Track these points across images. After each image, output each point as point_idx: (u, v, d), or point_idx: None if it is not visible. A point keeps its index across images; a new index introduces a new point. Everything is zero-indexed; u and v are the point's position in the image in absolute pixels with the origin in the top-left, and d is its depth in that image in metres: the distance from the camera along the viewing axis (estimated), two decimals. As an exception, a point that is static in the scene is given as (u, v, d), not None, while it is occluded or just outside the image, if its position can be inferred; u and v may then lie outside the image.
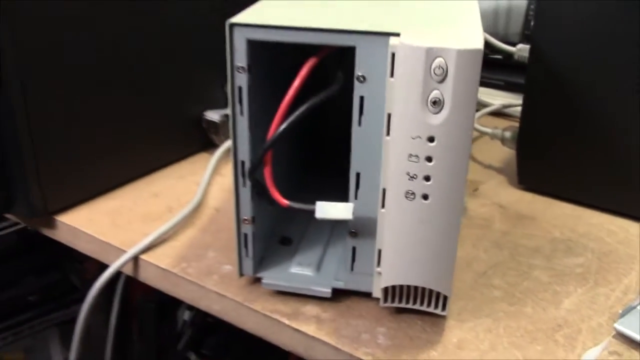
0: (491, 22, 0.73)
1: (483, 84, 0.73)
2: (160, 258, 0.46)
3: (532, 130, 0.54)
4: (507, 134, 0.58)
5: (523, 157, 0.55)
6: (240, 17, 0.36)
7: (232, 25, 0.35)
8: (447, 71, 0.31)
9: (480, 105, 0.71)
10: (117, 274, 0.47)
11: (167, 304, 1.04)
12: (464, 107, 0.32)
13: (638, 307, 0.40)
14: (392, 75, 0.33)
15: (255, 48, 0.36)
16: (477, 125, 0.63)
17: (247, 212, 0.40)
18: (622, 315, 0.39)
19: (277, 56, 0.39)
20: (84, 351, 0.53)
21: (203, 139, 0.61)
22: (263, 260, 0.43)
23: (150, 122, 0.56)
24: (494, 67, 0.72)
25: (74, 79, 0.48)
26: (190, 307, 1.06)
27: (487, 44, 0.69)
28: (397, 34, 0.33)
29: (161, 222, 0.49)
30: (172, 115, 0.58)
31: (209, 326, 1.14)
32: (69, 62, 0.48)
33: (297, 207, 0.38)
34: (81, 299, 0.81)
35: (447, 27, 0.36)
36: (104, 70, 0.50)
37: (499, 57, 0.71)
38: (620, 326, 0.38)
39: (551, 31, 0.50)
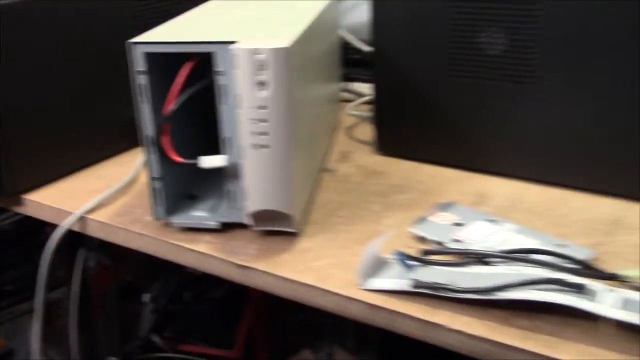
0: (365, 28, 0.92)
1: (360, 79, 0.92)
2: (99, 216, 0.63)
3: (382, 110, 0.72)
4: (367, 116, 0.76)
5: (378, 130, 0.74)
6: (138, 38, 0.53)
7: (132, 43, 0.53)
8: (265, 62, 0.49)
9: (358, 95, 0.89)
10: (76, 247, 0.64)
11: (130, 289, 1.20)
12: (281, 84, 0.50)
13: (427, 218, 0.58)
14: (236, 68, 0.51)
15: (152, 58, 0.54)
16: (352, 111, 0.81)
17: (155, 172, 0.57)
18: (416, 223, 0.57)
19: (172, 61, 0.56)
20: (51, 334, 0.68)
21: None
22: (174, 210, 0.61)
23: (100, 121, 0.73)
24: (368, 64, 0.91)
25: (39, 89, 0.66)
26: (151, 292, 1.23)
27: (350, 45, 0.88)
28: (236, 42, 0.51)
29: (103, 193, 0.66)
30: (116, 116, 0.75)
31: (171, 312, 1.31)
32: (35, 77, 0.65)
33: (187, 162, 0.56)
34: (54, 287, 0.98)
35: (272, 33, 0.54)
36: (62, 81, 0.68)
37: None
38: (413, 229, 0.56)
39: (383, 32, 0.68)
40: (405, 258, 0.50)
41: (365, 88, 0.90)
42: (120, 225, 0.61)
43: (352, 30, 0.92)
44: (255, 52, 0.49)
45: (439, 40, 0.65)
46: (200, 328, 1.24)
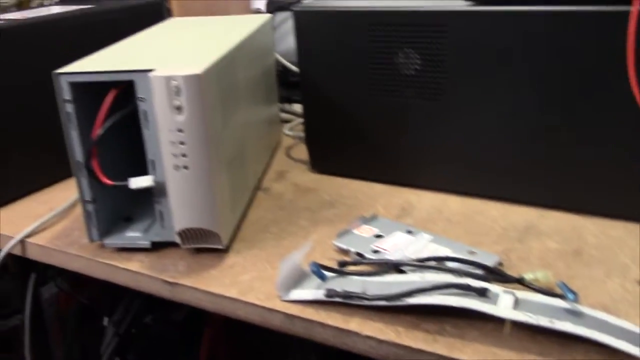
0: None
1: (299, 101, 0.95)
2: (39, 239, 0.65)
3: (312, 131, 0.75)
4: (302, 134, 0.79)
5: (310, 149, 0.77)
6: (62, 69, 0.56)
7: (57, 74, 0.56)
8: (180, 88, 0.52)
9: (297, 115, 0.93)
10: (28, 274, 0.66)
11: (91, 313, 1.22)
12: (195, 108, 0.53)
13: (351, 230, 0.61)
14: (153, 95, 0.54)
15: (79, 87, 0.57)
16: (289, 132, 0.84)
17: (87, 195, 0.60)
18: (339, 235, 0.60)
19: (101, 87, 0.59)
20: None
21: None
22: (109, 231, 0.63)
23: (43, 147, 0.76)
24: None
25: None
26: (112, 317, 1.25)
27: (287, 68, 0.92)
28: (153, 70, 0.54)
29: (43, 217, 0.69)
30: (57, 145, 0.77)
31: (133, 335, 1.32)
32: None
33: (117, 184, 0.58)
34: (12, 313, 0.99)
35: (190, 60, 0.57)
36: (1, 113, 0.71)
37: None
38: (335, 242, 0.59)
39: (307, 54, 0.72)
40: (319, 269, 0.52)
41: (304, 109, 0.94)
42: (57, 248, 0.63)
43: (288, 53, 0.95)
44: (170, 79, 0.52)
45: (359, 62, 0.68)
46: (163, 351, 1.26)
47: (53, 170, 0.78)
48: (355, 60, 0.69)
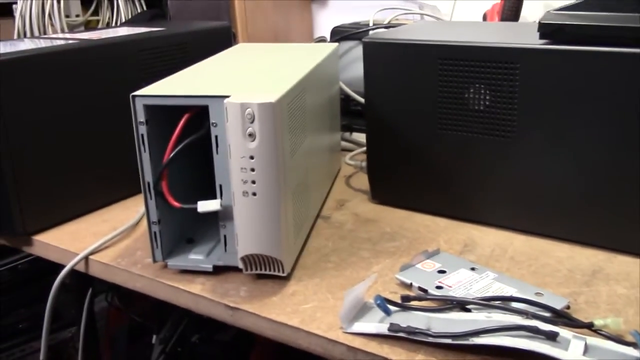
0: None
1: (361, 130, 0.95)
2: (102, 257, 0.66)
3: (375, 160, 0.75)
4: (364, 164, 0.79)
5: (371, 179, 0.77)
6: (139, 91, 0.58)
7: (134, 96, 0.57)
8: (254, 116, 0.53)
9: (358, 145, 0.93)
10: (85, 288, 0.68)
11: (140, 330, 1.23)
12: (268, 136, 0.53)
13: (414, 265, 0.60)
14: (227, 120, 0.54)
15: (153, 109, 0.58)
16: (349, 161, 0.84)
17: (154, 216, 0.61)
18: (402, 269, 0.60)
19: (172, 115, 0.60)
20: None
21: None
22: (172, 252, 0.64)
23: (106, 168, 0.77)
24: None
25: (51, 137, 0.70)
26: (159, 334, 1.26)
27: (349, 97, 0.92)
28: (229, 96, 0.55)
29: (107, 236, 0.70)
30: (122, 162, 0.79)
31: (179, 354, 1.33)
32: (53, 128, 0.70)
33: (186, 207, 0.59)
34: (64, 327, 1.01)
35: (264, 87, 0.57)
36: (73, 129, 0.73)
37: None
38: (398, 276, 0.59)
39: (374, 85, 0.72)
40: (384, 303, 0.52)
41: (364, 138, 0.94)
42: (121, 267, 0.64)
43: (352, 82, 0.96)
44: (245, 106, 0.53)
45: (427, 95, 0.68)
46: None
47: (113, 190, 0.80)
48: (423, 93, 0.68)
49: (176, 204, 0.59)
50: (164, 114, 0.59)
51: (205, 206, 0.58)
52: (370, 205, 0.77)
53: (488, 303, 0.52)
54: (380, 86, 0.71)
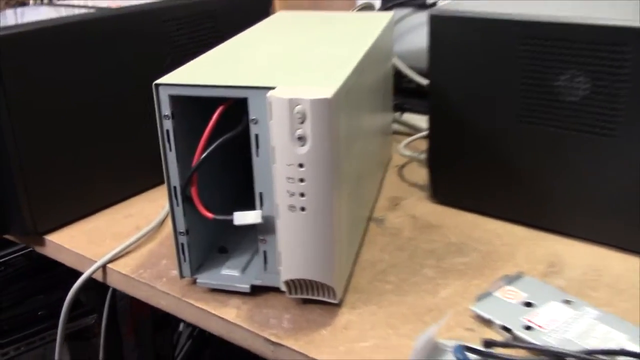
0: (425, 60, 0.84)
1: (414, 110, 0.84)
2: (123, 266, 0.57)
3: (438, 153, 0.64)
4: (422, 156, 0.68)
5: (433, 175, 0.66)
6: (164, 79, 0.47)
7: (157, 85, 0.47)
8: (305, 115, 0.42)
9: (411, 128, 0.81)
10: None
11: (164, 317, 1.15)
12: (322, 140, 0.43)
13: (493, 293, 0.50)
14: (271, 118, 0.44)
15: (180, 100, 0.47)
16: (402, 150, 0.73)
17: (181, 226, 0.51)
18: (479, 299, 0.49)
19: (201, 105, 0.50)
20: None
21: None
22: (202, 265, 0.54)
23: (127, 156, 0.68)
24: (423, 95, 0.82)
25: (62, 122, 0.61)
26: (188, 323, 1.18)
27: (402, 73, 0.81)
28: (273, 88, 0.44)
29: (128, 239, 0.60)
30: (145, 150, 0.69)
31: (207, 339, 1.25)
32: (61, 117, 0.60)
33: (219, 218, 0.49)
34: (85, 313, 0.93)
35: (316, 76, 0.46)
36: (84, 119, 0.63)
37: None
38: (475, 308, 0.48)
39: (442, 64, 0.60)
40: (464, 353, 0.42)
41: (420, 121, 0.82)
42: (143, 280, 0.55)
43: (406, 56, 0.84)
44: (293, 102, 0.42)
45: (508, 81, 0.57)
46: (236, 356, 1.18)
47: (135, 181, 0.70)
48: (502, 78, 0.57)
49: (208, 214, 0.49)
50: (194, 106, 0.49)
51: (243, 218, 0.48)
52: (429, 206, 0.66)
53: (594, 358, 0.41)
54: (449, 67, 0.60)
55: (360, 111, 0.54)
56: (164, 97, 0.47)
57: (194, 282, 0.53)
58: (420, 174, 0.72)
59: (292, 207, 0.45)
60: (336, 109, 0.43)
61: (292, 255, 0.47)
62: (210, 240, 0.56)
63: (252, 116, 0.46)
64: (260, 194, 0.48)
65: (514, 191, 0.60)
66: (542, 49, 0.54)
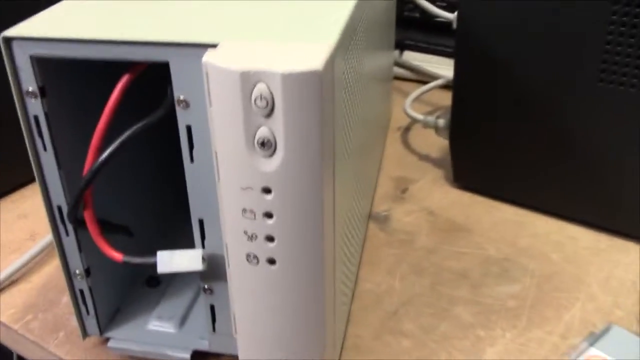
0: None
1: (431, 51, 0.63)
2: (4, 307, 0.38)
3: (466, 119, 0.45)
4: (441, 122, 0.49)
5: (457, 150, 0.46)
6: (19, 29, 0.26)
7: (8, 39, 0.26)
8: (273, 102, 0.22)
9: (429, 77, 0.61)
10: None
11: None
12: (304, 145, 0.23)
13: (573, 365, 0.32)
14: (210, 104, 0.24)
15: (55, 65, 0.27)
16: (408, 110, 0.53)
17: (77, 265, 0.31)
18: (552, 377, 0.31)
19: (96, 73, 0.29)
20: None
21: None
22: (118, 313, 0.35)
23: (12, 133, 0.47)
24: (441, 31, 0.62)
25: None
26: None
27: (424, 10, 0.60)
28: (214, 45, 0.24)
29: (18, 255, 0.41)
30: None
31: None
32: None
33: (133, 261, 0.30)
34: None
35: (287, 27, 0.26)
36: None
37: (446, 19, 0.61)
38: (547, 394, 0.30)
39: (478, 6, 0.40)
40: None
41: (426, 62, 0.62)
42: (30, 337, 0.36)
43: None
44: (251, 77, 0.22)
45: (583, 20, 0.37)
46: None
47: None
48: (573, 14, 0.37)
49: (115, 254, 0.30)
50: (82, 75, 0.28)
51: (171, 263, 0.29)
52: (451, 193, 0.48)
53: None
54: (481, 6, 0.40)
55: (361, 75, 0.34)
56: (22, 60, 0.26)
57: (106, 341, 0.34)
58: (434, 141, 0.53)
59: (252, 258, 0.26)
60: (330, 86, 0.23)
61: (255, 328, 0.28)
62: (130, 273, 0.37)
63: (178, 95, 0.26)
64: (201, 222, 0.28)
65: (575, 177, 0.41)
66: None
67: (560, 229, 0.43)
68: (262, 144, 0.23)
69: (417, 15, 0.65)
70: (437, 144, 0.53)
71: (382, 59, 0.48)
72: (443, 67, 0.62)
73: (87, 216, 0.29)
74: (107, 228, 0.30)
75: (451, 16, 0.55)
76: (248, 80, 0.22)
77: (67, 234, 0.31)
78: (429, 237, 0.43)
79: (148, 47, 0.25)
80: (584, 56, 0.38)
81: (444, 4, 0.61)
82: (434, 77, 0.61)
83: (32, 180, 0.49)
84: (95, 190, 0.29)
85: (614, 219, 0.41)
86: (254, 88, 0.22)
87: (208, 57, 0.23)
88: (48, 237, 0.42)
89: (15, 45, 0.26)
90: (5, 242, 0.43)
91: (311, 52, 0.23)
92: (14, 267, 0.40)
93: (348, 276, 0.35)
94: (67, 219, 0.30)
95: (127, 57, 0.26)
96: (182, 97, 0.26)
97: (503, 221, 0.44)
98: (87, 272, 0.32)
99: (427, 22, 0.63)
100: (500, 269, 0.40)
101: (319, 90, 0.22)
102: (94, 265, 0.32)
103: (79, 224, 0.30)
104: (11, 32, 0.26)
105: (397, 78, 0.65)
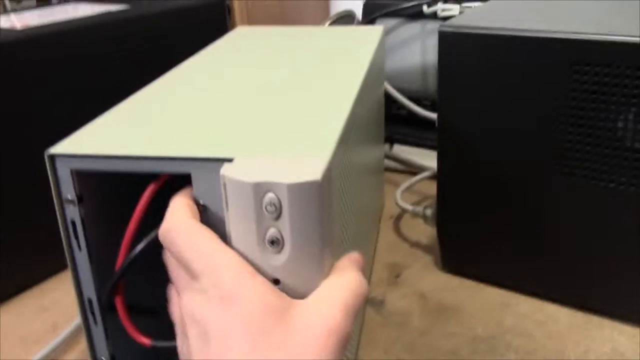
0: (420, 82, 0.69)
1: (419, 144, 0.69)
2: (28, 396, 0.41)
3: (450, 210, 0.49)
4: (429, 212, 0.53)
5: (444, 238, 0.51)
6: (62, 146, 0.31)
7: (52, 156, 0.31)
8: (280, 207, 0.27)
9: (418, 168, 0.66)
10: None
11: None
12: (307, 243, 0.27)
13: None
14: (227, 208, 0.28)
15: (91, 177, 0.32)
16: (399, 201, 0.58)
17: (103, 352, 0.35)
18: None
19: (121, 181, 0.34)
20: None
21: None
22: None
23: (33, 229, 0.51)
24: (427, 126, 0.68)
25: None
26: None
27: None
28: (230, 159, 0.28)
29: (41, 346, 0.44)
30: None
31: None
32: None
33: (161, 345, 0.33)
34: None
35: (291, 140, 0.31)
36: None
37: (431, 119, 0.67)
38: None
39: (455, 100, 0.46)
40: None
41: (413, 155, 0.68)
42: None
43: (395, 77, 0.69)
44: (262, 187, 0.27)
45: (550, 119, 0.42)
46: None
47: (49, 256, 0.53)
48: (542, 115, 0.42)
49: (144, 339, 0.33)
50: (112, 182, 0.33)
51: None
52: (440, 277, 0.52)
53: None
54: (464, 96, 0.45)
55: (356, 173, 0.39)
56: (64, 173, 0.31)
57: (128, 423, 0.37)
58: (424, 229, 0.58)
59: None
60: (328, 192, 0.28)
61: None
62: (156, 357, 0.40)
63: (198, 200, 0.30)
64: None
65: (552, 262, 0.45)
66: (596, 79, 0.40)
67: (540, 308, 0.47)
68: (272, 242, 0.27)
69: (404, 112, 0.71)
70: (427, 232, 0.57)
71: (374, 153, 0.53)
72: (431, 159, 0.67)
73: (118, 302, 0.33)
74: (136, 311, 0.34)
75: (434, 115, 0.61)
76: (259, 190, 0.27)
77: (96, 323, 0.34)
78: (421, 319, 0.46)
79: (174, 161, 0.30)
80: (543, 152, 0.42)
81: (428, 104, 0.67)
82: (422, 169, 0.66)
83: (49, 275, 0.54)
84: (127, 280, 0.33)
85: (588, 298, 0.45)
86: (264, 196, 0.27)
87: (225, 170, 0.28)
88: (71, 327, 0.46)
89: (58, 161, 0.31)
90: (26, 334, 0.47)
91: (311, 165, 0.27)
92: (41, 354, 0.43)
93: (349, 357, 0.38)
94: (99, 308, 0.34)
95: (155, 170, 0.30)
96: (203, 203, 0.30)
97: (488, 302, 0.48)
98: (112, 358, 0.35)
99: (414, 119, 0.69)
100: (488, 347, 0.43)
101: (318, 196, 0.27)
102: (122, 352, 0.36)
103: (108, 309, 0.34)
104: (55, 149, 0.31)
105: (389, 170, 0.70)
